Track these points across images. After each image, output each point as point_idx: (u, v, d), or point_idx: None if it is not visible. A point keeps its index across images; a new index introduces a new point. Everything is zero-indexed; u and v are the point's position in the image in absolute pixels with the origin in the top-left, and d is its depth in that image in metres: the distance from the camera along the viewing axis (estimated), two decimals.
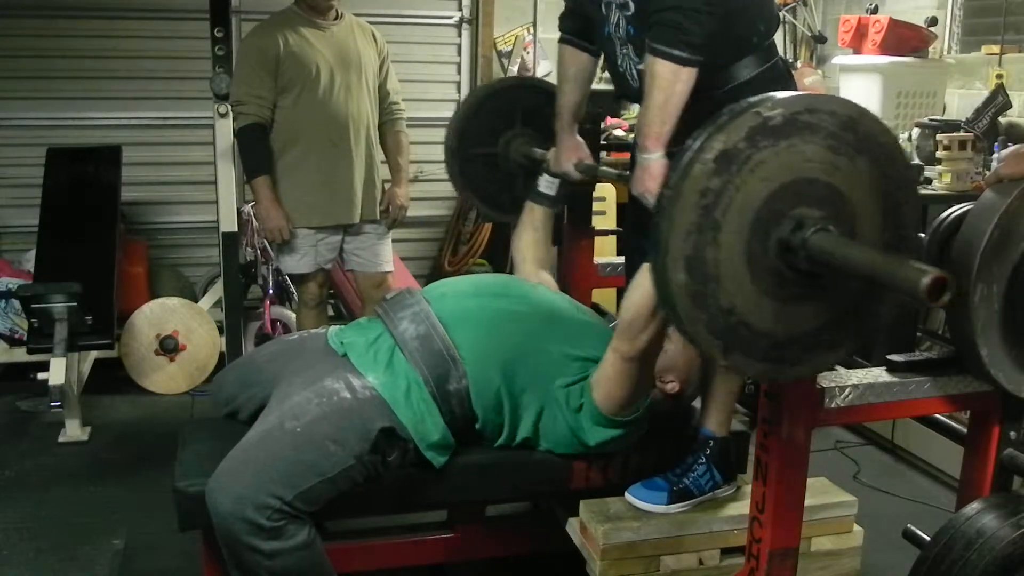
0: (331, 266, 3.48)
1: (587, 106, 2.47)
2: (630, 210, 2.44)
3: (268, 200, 3.22)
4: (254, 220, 3.89)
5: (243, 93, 3.18)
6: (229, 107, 3.33)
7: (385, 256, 3.51)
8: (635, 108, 4.35)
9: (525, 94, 2.71)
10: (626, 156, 4.17)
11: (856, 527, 2.15)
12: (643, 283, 1.82)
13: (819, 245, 1.37)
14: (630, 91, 2.25)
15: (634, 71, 2.17)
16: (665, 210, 1.36)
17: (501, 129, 2.70)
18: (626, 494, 2.09)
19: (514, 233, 2.55)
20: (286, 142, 3.24)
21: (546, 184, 2.48)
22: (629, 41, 2.13)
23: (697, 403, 2.23)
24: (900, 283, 1.23)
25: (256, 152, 3.22)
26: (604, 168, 2.53)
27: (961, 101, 3.84)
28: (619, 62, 2.20)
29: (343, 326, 2.25)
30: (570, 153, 2.42)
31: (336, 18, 3.29)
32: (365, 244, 3.45)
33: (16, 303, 3.70)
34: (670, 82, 1.94)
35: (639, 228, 2.40)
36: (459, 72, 4.90)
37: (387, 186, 3.54)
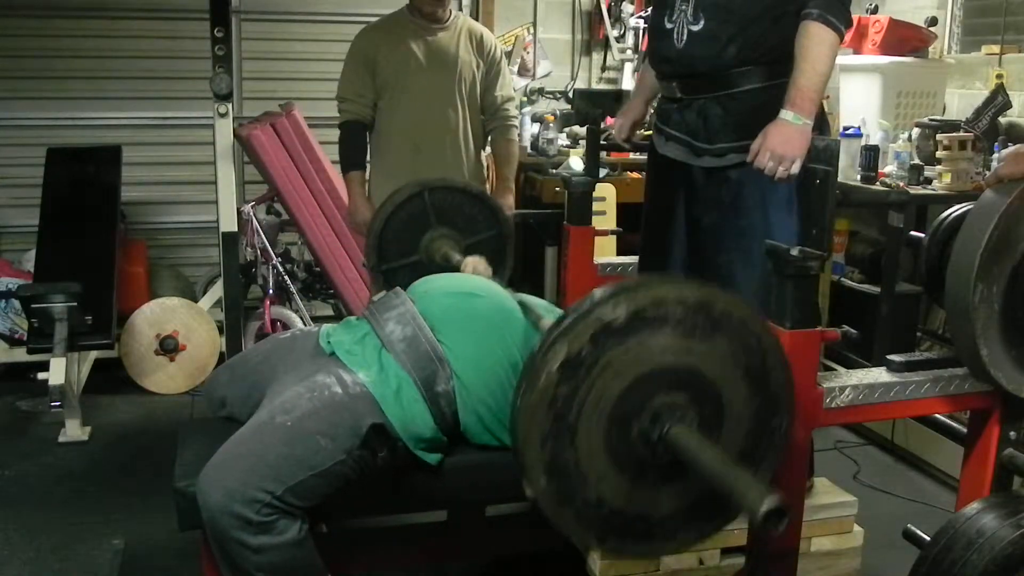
0: None
1: (588, 107, 2.48)
2: (652, 218, 2.43)
3: (357, 195, 3.25)
4: (254, 220, 3.90)
5: (345, 91, 3.25)
6: (339, 104, 3.28)
7: None
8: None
9: (431, 196, 2.67)
10: (626, 156, 4.18)
11: (856, 527, 2.16)
12: None
13: (673, 444, 1.36)
14: (668, 51, 2.24)
15: (685, 31, 2.18)
16: (516, 421, 1.35)
17: (418, 234, 2.68)
18: None
19: None
20: (380, 142, 3.29)
21: None
22: None
23: None
24: (740, 504, 1.23)
25: (350, 147, 3.26)
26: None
27: (961, 101, 3.83)
28: (672, 16, 2.20)
29: (334, 326, 2.25)
30: (629, 114, 2.64)
31: (446, 21, 3.25)
32: None
33: (16, 303, 3.69)
34: (832, 56, 1.97)
35: (663, 243, 2.38)
36: None
37: None
